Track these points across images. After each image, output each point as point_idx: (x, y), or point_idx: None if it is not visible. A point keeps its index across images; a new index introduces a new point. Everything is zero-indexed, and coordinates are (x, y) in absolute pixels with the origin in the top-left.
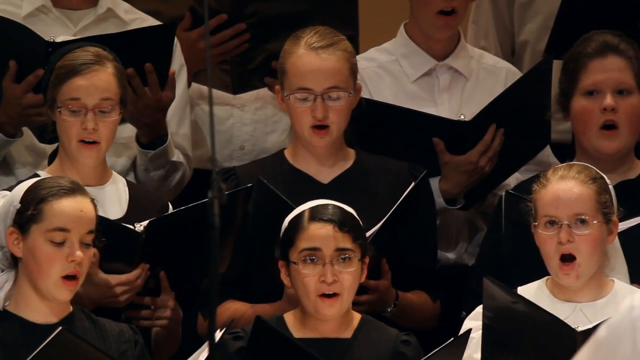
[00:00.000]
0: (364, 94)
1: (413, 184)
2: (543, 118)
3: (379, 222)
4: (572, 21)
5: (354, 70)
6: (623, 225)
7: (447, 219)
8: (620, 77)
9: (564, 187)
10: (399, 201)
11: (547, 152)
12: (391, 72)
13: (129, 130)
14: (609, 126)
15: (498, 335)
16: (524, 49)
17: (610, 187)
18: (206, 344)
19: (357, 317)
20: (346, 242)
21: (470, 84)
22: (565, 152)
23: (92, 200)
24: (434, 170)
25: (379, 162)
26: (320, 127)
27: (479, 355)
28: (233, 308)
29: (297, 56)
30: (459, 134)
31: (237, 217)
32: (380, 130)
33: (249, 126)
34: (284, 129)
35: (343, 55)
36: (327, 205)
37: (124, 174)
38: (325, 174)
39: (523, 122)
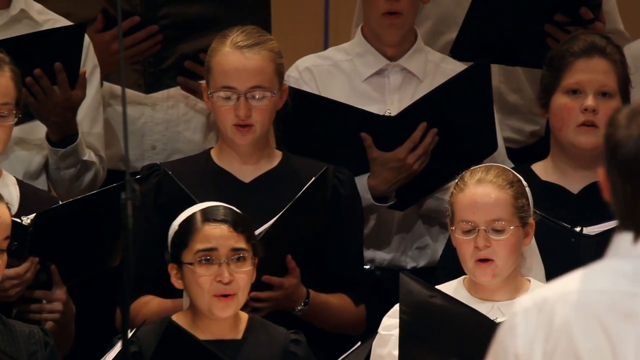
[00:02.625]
0: (314, 92)
1: (313, 179)
2: (488, 123)
3: (275, 217)
4: (479, 24)
5: (279, 71)
6: (596, 229)
7: (384, 219)
8: (604, 79)
9: (481, 192)
10: (295, 198)
11: (502, 157)
12: (344, 70)
13: (43, 131)
14: (589, 125)
15: (416, 330)
16: None
17: (527, 189)
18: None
19: (245, 317)
20: (241, 242)
21: (423, 85)
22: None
23: (7, 204)
24: (364, 167)
25: (304, 164)
26: (244, 125)
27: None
28: (157, 302)
29: (223, 54)
30: (388, 130)
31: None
32: (308, 124)
33: (161, 125)
34: (196, 128)
35: (268, 55)
36: (218, 206)
37: (38, 174)
38: (247, 173)
39: (463, 125)
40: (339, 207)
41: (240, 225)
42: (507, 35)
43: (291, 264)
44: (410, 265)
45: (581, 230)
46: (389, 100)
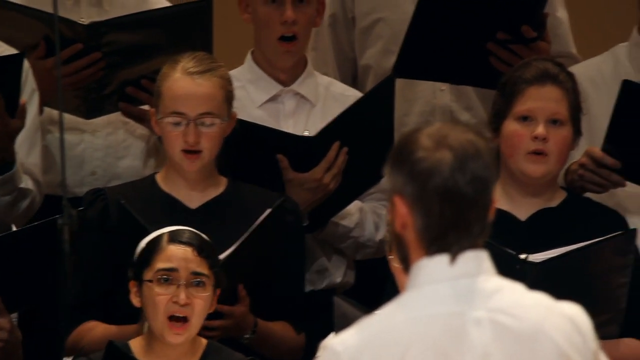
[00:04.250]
0: None
1: (268, 210)
2: (390, 141)
3: (232, 247)
4: (421, 41)
5: (229, 97)
6: (541, 256)
7: None
8: (555, 107)
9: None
10: (252, 227)
11: None
12: (238, 98)
13: None
14: (538, 153)
15: None
16: (366, 73)
17: None
18: None
19: (203, 343)
20: (202, 267)
21: (316, 110)
22: None
23: None
24: (279, 189)
25: (251, 191)
26: (192, 151)
27: None
28: (102, 328)
29: (173, 80)
30: (304, 151)
31: None
32: (234, 149)
33: (100, 152)
34: (135, 154)
35: (219, 82)
36: (186, 230)
37: None
38: (194, 199)
39: (368, 143)
40: (284, 235)
41: (205, 250)
42: (449, 53)
43: (242, 292)
44: (309, 288)
45: (526, 257)
46: (285, 126)
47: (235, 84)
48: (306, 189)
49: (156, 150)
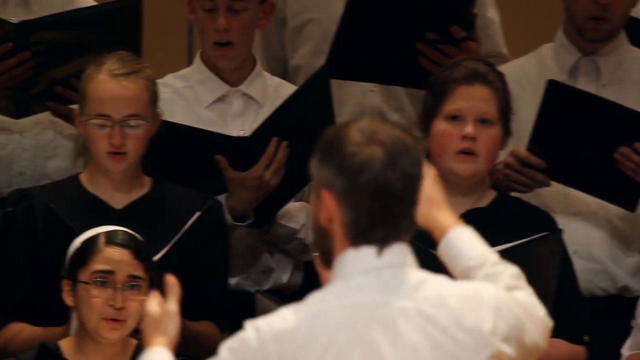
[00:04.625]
0: None
1: (198, 213)
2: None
3: (163, 249)
4: (350, 42)
5: (154, 99)
6: None
7: (231, 243)
8: (484, 107)
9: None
10: (183, 229)
11: None
12: (185, 98)
13: None
14: (467, 153)
15: None
16: (297, 74)
17: None
18: None
19: (133, 343)
20: (139, 270)
21: (264, 110)
22: None
23: None
24: (222, 189)
25: (175, 191)
26: (117, 153)
27: None
28: (28, 331)
29: (98, 82)
30: (242, 151)
31: None
32: (164, 149)
33: (29, 152)
34: (64, 154)
35: (144, 83)
36: (124, 231)
37: None
38: (119, 200)
39: (308, 136)
40: (208, 235)
41: (142, 253)
42: (379, 53)
43: None
44: (254, 288)
45: None
46: (232, 126)
47: (184, 84)
48: (248, 187)
49: (85, 150)
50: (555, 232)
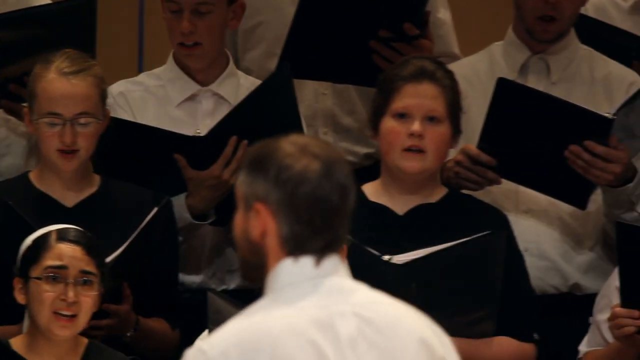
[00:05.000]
0: (129, 117)
1: (155, 209)
2: (296, 126)
3: (121, 247)
4: (303, 40)
5: (103, 96)
6: (406, 257)
7: (194, 242)
8: (431, 104)
9: None
10: (140, 227)
11: None
12: (157, 96)
13: None
14: (414, 150)
15: None
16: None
17: None
18: None
19: (84, 342)
20: (91, 266)
21: None
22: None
23: None
24: (183, 188)
25: (124, 188)
26: (68, 151)
27: None
28: None
29: (48, 81)
30: (201, 150)
31: None
32: (122, 148)
33: None
34: (17, 152)
35: (93, 81)
36: (73, 228)
37: None
38: (70, 198)
39: (272, 135)
40: (159, 232)
41: (93, 250)
42: (331, 51)
43: (126, 291)
44: (220, 287)
45: (390, 259)
46: (202, 126)
47: (156, 82)
48: (207, 186)
49: (38, 148)
50: (499, 231)
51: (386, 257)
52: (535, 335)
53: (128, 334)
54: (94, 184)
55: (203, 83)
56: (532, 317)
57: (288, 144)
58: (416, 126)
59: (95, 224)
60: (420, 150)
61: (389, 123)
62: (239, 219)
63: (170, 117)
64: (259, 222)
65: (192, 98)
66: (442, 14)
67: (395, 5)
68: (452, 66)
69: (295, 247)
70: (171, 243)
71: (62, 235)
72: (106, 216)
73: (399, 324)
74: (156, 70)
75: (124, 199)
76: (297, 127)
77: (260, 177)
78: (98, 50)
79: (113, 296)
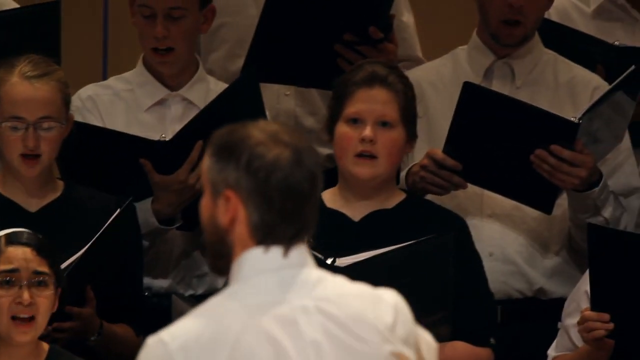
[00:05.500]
0: (97, 121)
1: (116, 213)
2: None
3: (80, 251)
4: (268, 44)
5: (67, 101)
6: (349, 260)
7: (162, 247)
8: (383, 109)
9: None
10: (101, 230)
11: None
12: (126, 100)
13: None
14: (367, 155)
15: None
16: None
17: None
18: None
19: (45, 347)
20: (43, 266)
21: None
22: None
23: None
24: (149, 192)
25: (88, 193)
26: (31, 156)
27: None
28: None
29: (11, 84)
30: (166, 154)
31: None
32: (87, 153)
33: None
34: None
35: (57, 85)
36: (23, 231)
37: None
38: (33, 203)
39: None
40: (122, 237)
41: (45, 250)
42: (297, 55)
43: (89, 294)
44: (188, 292)
45: (333, 261)
46: (171, 130)
47: (126, 86)
48: (172, 191)
49: (1, 153)
50: (448, 233)
51: (329, 260)
52: (492, 340)
53: (92, 338)
54: (58, 189)
55: (173, 88)
56: (488, 321)
57: (257, 131)
58: (367, 131)
59: (58, 229)
60: (372, 156)
61: (342, 128)
62: (205, 204)
63: (139, 122)
64: (228, 209)
65: (161, 103)
66: (405, 17)
67: (360, 8)
68: (417, 70)
69: (265, 236)
70: (135, 247)
71: (11, 239)
72: (69, 221)
73: (362, 319)
74: (126, 75)
75: (87, 204)
76: None
77: (230, 165)
78: (63, 55)
79: (76, 300)
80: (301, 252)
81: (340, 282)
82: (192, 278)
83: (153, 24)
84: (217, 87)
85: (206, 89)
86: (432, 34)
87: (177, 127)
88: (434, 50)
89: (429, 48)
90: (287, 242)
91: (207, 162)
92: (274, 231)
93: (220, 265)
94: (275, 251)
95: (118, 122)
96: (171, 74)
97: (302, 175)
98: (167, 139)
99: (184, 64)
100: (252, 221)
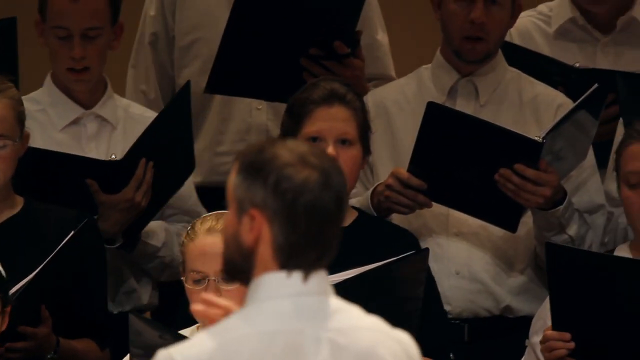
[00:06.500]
0: None
1: (73, 231)
2: (188, 146)
3: (37, 269)
4: (233, 57)
5: (20, 118)
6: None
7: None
8: (343, 127)
9: (210, 242)
10: (58, 247)
11: (193, 201)
12: (39, 121)
13: None
14: None
15: None
16: None
17: None
18: None
19: None
20: None
21: (117, 132)
22: None
23: None
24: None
25: (47, 209)
26: None
27: None
28: None
29: None
30: (114, 174)
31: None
32: (40, 176)
33: None
34: None
35: (9, 102)
36: None
37: None
38: None
39: (167, 155)
40: (84, 252)
41: None
42: (263, 69)
43: (45, 313)
44: (116, 310)
45: None
46: (87, 149)
47: (36, 107)
48: (119, 209)
49: None
50: (422, 250)
51: None
52: (452, 356)
53: (48, 356)
54: (16, 205)
55: (86, 106)
56: (447, 337)
57: (286, 151)
58: (330, 150)
59: (17, 245)
60: None
61: None
62: (230, 220)
63: (56, 141)
64: (253, 228)
65: (76, 122)
66: (380, 35)
67: (326, 23)
68: (381, 89)
69: (288, 258)
70: (96, 262)
71: None
72: (28, 238)
73: (372, 354)
74: (33, 95)
75: (47, 220)
76: (187, 149)
77: (258, 184)
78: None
79: (32, 319)
80: (321, 279)
81: (357, 314)
82: (121, 295)
83: (69, 45)
84: (121, 103)
85: (115, 105)
86: (407, 53)
87: (93, 145)
88: (410, 70)
89: (405, 68)
90: (310, 265)
91: (234, 179)
92: (297, 253)
93: (237, 278)
94: (296, 276)
95: (34, 142)
96: (84, 91)
97: (329, 198)
98: (117, 159)
99: (99, 80)
100: (277, 242)
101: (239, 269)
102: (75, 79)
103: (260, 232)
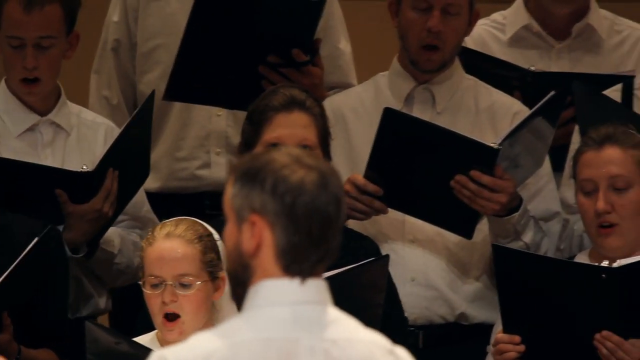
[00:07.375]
0: None
1: (36, 238)
2: (145, 153)
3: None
4: (191, 64)
5: None
6: None
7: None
8: (304, 133)
9: (168, 246)
10: (19, 257)
11: (146, 208)
12: None
13: None
14: None
15: None
16: (143, 99)
17: (218, 242)
18: None
19: None
20: None
21: (71, 139)
22: None
23: None
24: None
25: (14, 219)
26: None
27: None
28: None
29: None
30: (85, 185)
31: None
32: (6, 186)
33: None
34: None
35: None
36: None
37: None
38: None
39: (131, 162)
40: (47, 262)
41: None
42: (220, 76)
43: (6, 321)
44: (74, 315)
45: None
46: (43, 156)
47: None
48: (87, 220)
49: None
50: (383, 257)
51: None
52: None
53: None
54: None
55: (41, 113)
56: (407, 343)
57: (281, 155)
58: None
59: None
60: None
61: None
62: (229, 233)
63: (11, 149)
64: (254, 235)
65: (32, 129)
66: (342, 44)
67: (284, 31)
68: (338, 96)
69: (292, 260)
70: (58, 272)
71: None
72: None
73: None
74: None
75: (13, 229)
76: (144, 156)
77: (255, 189)
78: None
79: None
80: (320, 287)
81: (354, 326)
82: (80, 301)
83: (22, 54)
84: (74, 109)
85: (68, 112)
86: (370, 62)
87: (49, 152)
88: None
89: (367, 76)
90: (312, 266)
91: (230, 190)
92: (300, 255)
93: (240, 293)
94: (295, 283)
95: None
96: (36, 101)
97: (327, 199)
98: (89, 170)
99: (54, 87)
100: (279, 245)
101: (242, 283)
102: (27, 91)
103: (262, 238)
